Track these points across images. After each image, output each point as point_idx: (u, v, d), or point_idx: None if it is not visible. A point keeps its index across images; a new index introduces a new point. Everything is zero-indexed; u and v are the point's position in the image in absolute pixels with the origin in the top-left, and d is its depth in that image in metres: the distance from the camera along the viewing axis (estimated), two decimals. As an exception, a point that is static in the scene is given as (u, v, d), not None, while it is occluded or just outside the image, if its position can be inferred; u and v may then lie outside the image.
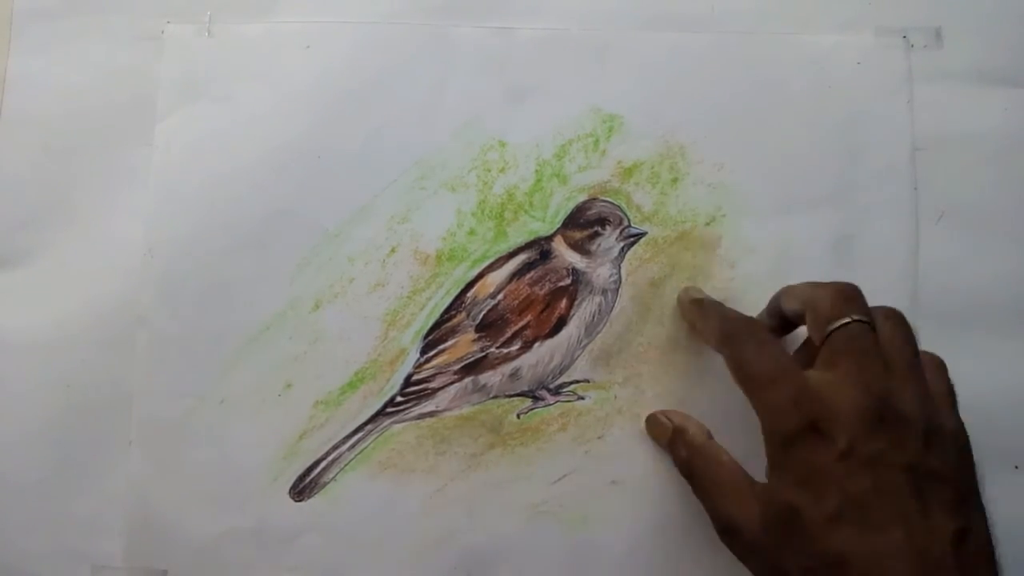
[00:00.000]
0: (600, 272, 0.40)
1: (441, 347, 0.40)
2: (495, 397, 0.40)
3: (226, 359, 0.40)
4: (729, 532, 0.33)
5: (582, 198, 0.41)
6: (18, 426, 0.40)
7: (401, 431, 0.40)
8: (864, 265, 0.40)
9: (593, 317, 0.40)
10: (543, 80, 0.42)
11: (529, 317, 0.40)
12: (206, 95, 0.42)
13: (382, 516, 0.39)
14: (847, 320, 0.32)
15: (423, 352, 0.40)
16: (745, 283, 0.40)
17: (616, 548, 0.39)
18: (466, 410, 0.40)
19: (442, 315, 0.40)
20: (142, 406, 0.40)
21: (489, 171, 0.41)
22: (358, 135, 0.41)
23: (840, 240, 0.40)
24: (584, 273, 0.40)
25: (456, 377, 0.40)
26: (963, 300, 0.40)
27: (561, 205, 0.41)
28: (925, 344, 0.40)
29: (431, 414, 0.40)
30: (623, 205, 0.41)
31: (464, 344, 0.40)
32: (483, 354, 0.40)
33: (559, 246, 0.41)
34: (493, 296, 0.40)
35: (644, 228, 0.41)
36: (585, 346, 0.40)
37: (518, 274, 0.40)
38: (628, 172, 0.41)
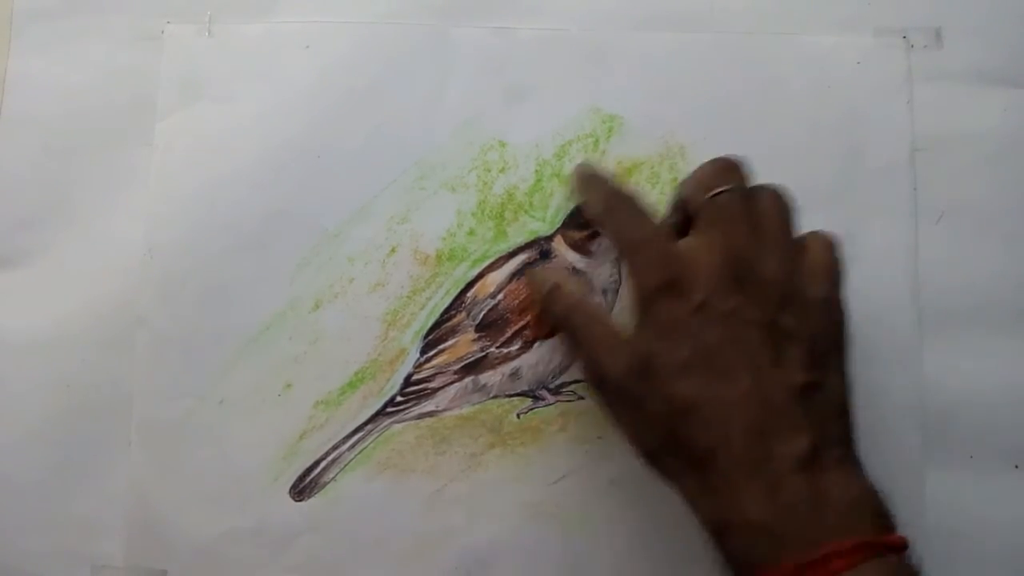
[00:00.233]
0: (600, 272, 0.40)
1: (441, 347, 0.40)
2: (495, 397, 0.40)
3: (226, 359, 0.40)
4: (598, 381, 0.34)
5: (582, 198, 0.41)
6: (18, 426, 0.40)
7: (401, 431, 0.40)
8: (864, 265, 0.40)
9: (593, 317, 0.40)
10: (543, 80, 0.42)
11: (529, 317, 0.40)
12: (206, 95, 0.42)
13: (382, 516, 0.39)
14: (721, 189, 0.33)
15: (423, 352, 0.40)
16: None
17: (616, 548, 0.39)
18: (466, 410, 0.40)
19: (442, 315, 0.40)
20: (142, 406, 0.40)
21: (489, 171, 0.41)
22: (358, 135, 0.41)
23: (840, 240, 0.40)
24: (584, 273, 0.40)
25: (456, 377, 0.40)
26: (963, 300, 0.40)
27: (561, 205, 0.41)
28: (926, 344, 0.40)
29: (431, 414, 0.40)
30: (623, 205, 0.41)
31: (464, 344, 0.40)
32: (483, 354, 0.40)
33: (559, 246, 0.41)
34: (493, 296, 0.40)
35: (644, 228, 0.41)
36: (585, 346, 0.40)
37: (518, 274, 0.40)
38: (628, 172, 0.41)
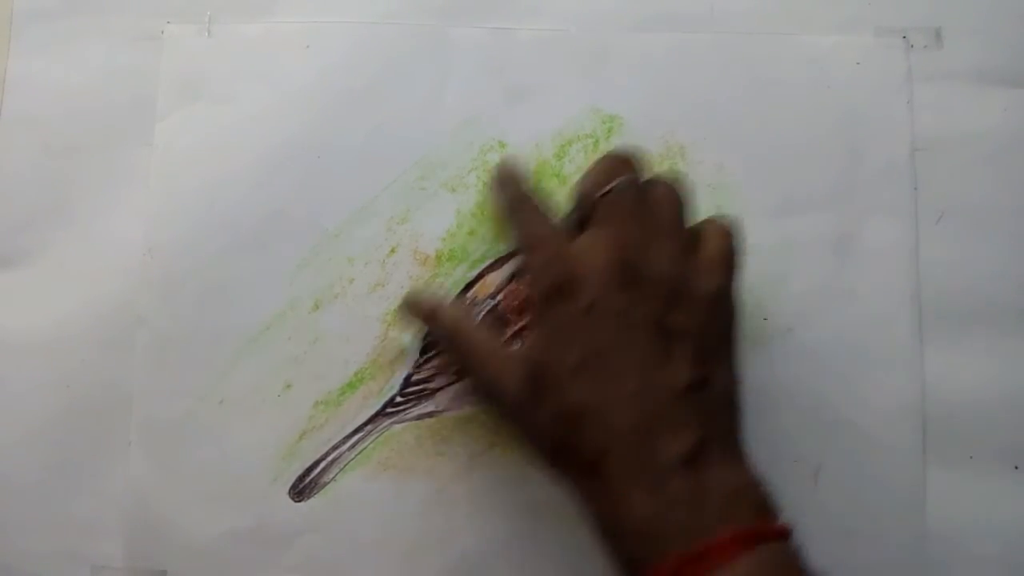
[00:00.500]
0: (600, 272, 0.40)
1: (441, 347, 0.40)
2: (495, 397, 0.40)
3: (226, 359, 0.40)
4: (493, 396, 0.34)
5: (582, 198, 0.41)
6: (18, 426, 0.40)
7: (401, 431, 0.40)
8: (864, 265, 0.40)
9: (593, 317, 0.40)
10: (543, 80, 0.42)
11: (529, 317, 0.40)
12: (206, 95, 0.42)
13: (382, 516, 0.39)
14: (612, 185, 0.34)
15: (423, 352, 0.40)
16: (745, 283, 0.40)
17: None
18: (466, 410, 0.40)
19: (442, 315, 0.40)
20: (142, 406, 0.40)
21: (489, 171, 0.41)
22: (358, 135, 0.41)
23: (840, 240, 0.40)
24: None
25: (456, 377, 0.40)
26: (963, 300, 0.40)
27: (561, 205, 0.41)
28: (926, 344, 0.40)
29: (431, 414, 0.40)
30: (623, 205, 0.41)
31: (464, 344, 0.40)
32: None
33: (559, 246, 0.40)
34: (493, 296, 0.40)
35: (644, 228, 0.41)
36: (585, 346, 0.40)
37: (518, 275, 0.40)
38: (628, 172, 0.41)
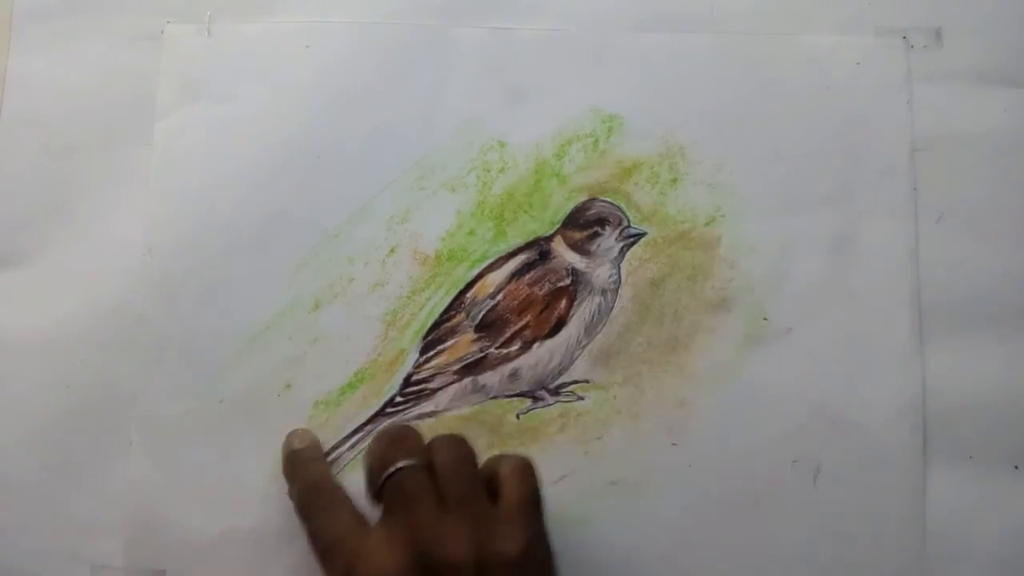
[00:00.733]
0: (600, 272, 0.40)
1: (440, 347, 0.40)
2: (495, 397, 0.40)
3: (226, 359, 0.40)
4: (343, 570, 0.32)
5: (582, 198, 0.41)
6: (18, 426, 0.40)
7: (401, 431, 0.40)
8: (864, 265, 0.40)
9: (593, 317, 0.40)
10: (543, 80, 0.42)
11: (528, 317, 0.40)
12: (206, 95, 0.42)
13: (382, 516, 0.39)
14: (396, 468, 0.32)
15: (422, 352, 0.40)
16: (745, 283, 0.40)
17: (615, 548, 0.39)
18: (466, 410, 0.40)
19: (441, 315, 0.40)
20: (142, 406, 0.40)
21: (489, 171, 0.41)
22: (358, 135, 0.41)
23: (840, 240, 0.40)
24: (584, 273, 0.40)
25: (455, 377, 0.40)
26: (963, 300, 0.40)
27: (561, 205, 0.41)
28: (926, 344, 0.40)
29: (431, 414, 0.40)
30: (623, 205, 0.41)
31: (463, 344, 0.40)
32: (482, 354, 0.40)
33: (558, 246, 0.41)
34: (492, 296, 0.40)
35: (644, 228, 0.41)
36: (585, 346, 0.40)
37: (517, 274, 0.40)
38: (628, 172, 0.41)
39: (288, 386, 0.40)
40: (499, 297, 0.40)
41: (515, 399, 0.40)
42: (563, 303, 0.40)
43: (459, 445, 0.34)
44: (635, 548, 0.39)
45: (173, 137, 0.41)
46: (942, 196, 0.41)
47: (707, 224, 0.41)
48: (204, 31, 0.42)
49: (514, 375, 0.40)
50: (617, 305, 0.40)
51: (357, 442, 0.40)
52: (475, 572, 0.30)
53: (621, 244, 0.40)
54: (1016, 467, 0.39)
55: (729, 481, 0.39)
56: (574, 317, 0.40)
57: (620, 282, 0.40)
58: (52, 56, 0.42)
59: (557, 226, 0.41)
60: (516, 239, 0.41)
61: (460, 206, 0.41)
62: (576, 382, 0.40)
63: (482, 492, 0.33)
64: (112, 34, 0.42)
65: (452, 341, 0.40)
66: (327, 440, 0.39)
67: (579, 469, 0.39)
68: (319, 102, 0.41)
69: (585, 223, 0.40)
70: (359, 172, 0.41)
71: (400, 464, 0.33)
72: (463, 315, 0.40)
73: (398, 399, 0.40)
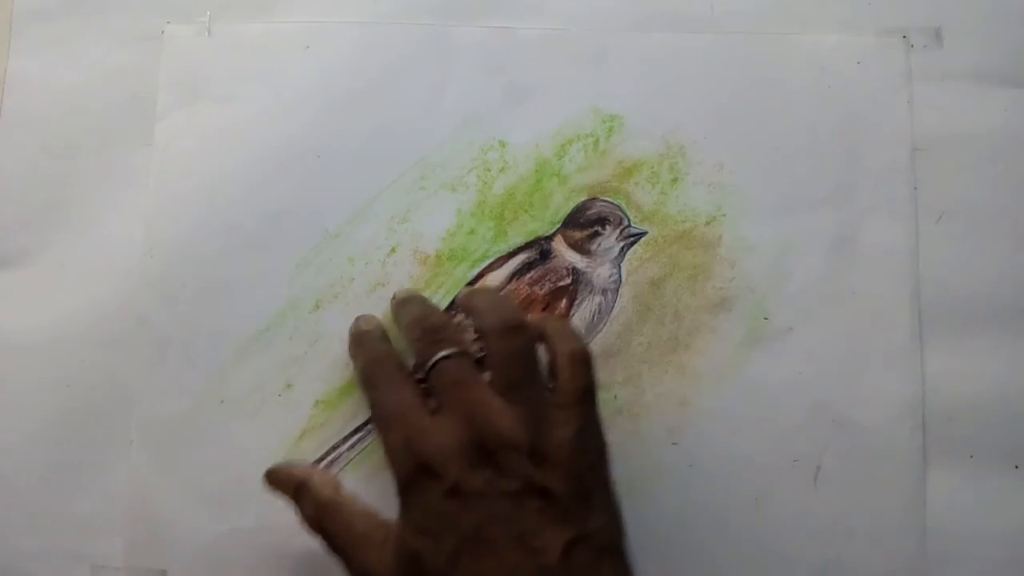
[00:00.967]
0: (600, 272, 0.40)
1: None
2: (495, 397, 0.40)
3: (226, 359, 0.40)
4: None
5: (582, 198, 0.41)
6: (18, 426, 0.40)
7: (401, 431, 0.40)
8: (864, 265, 0.40)
9: (593, 317, 0.40)
10: (543, 80, 0.42)
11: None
12: (206, 95, 0.42)
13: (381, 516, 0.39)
14: (438, 357, 0.33)
15: (423, 352, 0.40)
16: (746, 283, 0.40)
17: (616, 548, 0.39)
18: (466, 410, 0.40)
19: (442, 315, 0.40)
20: (142, 406, 0.40)
21: (489, 171, 0.41)
22: (358, 135, 0.41)
23: (840, 240, 0.40)
24: (584, 273, 0.40)
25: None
26: (963, 300, 0.40)
27: (561, 205, 0.41)
28: (926, 344, 0.40)
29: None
30: (623, 205, 0.41)
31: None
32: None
33: (559, 246, 0.41)
34: (493, 296, 0.40)
35: (644, 228, 0.41)
36: (585, 346, 0.40)
37: (518, 274, 0.40)
38: (628, 172, 0.41)
39: (288, 386, 0.40)
40: (499, 297, 0.40)
41: (515, 399, 0.40)
42: (563, 303, 0.40)
43: (517, 333, 0.34)
44: (635, 548, 0.39)
45: (173, 137, 0.41)
46: (942, 196, 0.41)
47: (708, 224, 0.41)
48: (204, 31, 0.42)
49: (514, 375, 0.40)
50: (617, 305, 0.40)
51: (357, 442, 0.39)
52: (530, 455, 0.31)
53: (622, 244, 0.40)
54: (1016, 467, 0.39)
55: (729, 481, 0.39)
56: (574, 317, 0.40)
57: (621, 282, 0.40)
58: (52, 56, 0.42)
59: (557, 226, 0.41)
60: (516, 239, 0.41)
61: (460, 206, 0.41)
62: (576, 382, 0.40)
63: (539, 378, 0.33)
64: (112, 34, 0.42)
65: (452, 341, 0.40)
66: (327, 440, 0.39)
67: (579, 469, 0.39)
68: (319, 102, 0.41)
69: (585, 223, 0.40)
70: (359, 172, 0.41)
71: (442, 354, 0.34)
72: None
73: (398, 399, 0.40)
